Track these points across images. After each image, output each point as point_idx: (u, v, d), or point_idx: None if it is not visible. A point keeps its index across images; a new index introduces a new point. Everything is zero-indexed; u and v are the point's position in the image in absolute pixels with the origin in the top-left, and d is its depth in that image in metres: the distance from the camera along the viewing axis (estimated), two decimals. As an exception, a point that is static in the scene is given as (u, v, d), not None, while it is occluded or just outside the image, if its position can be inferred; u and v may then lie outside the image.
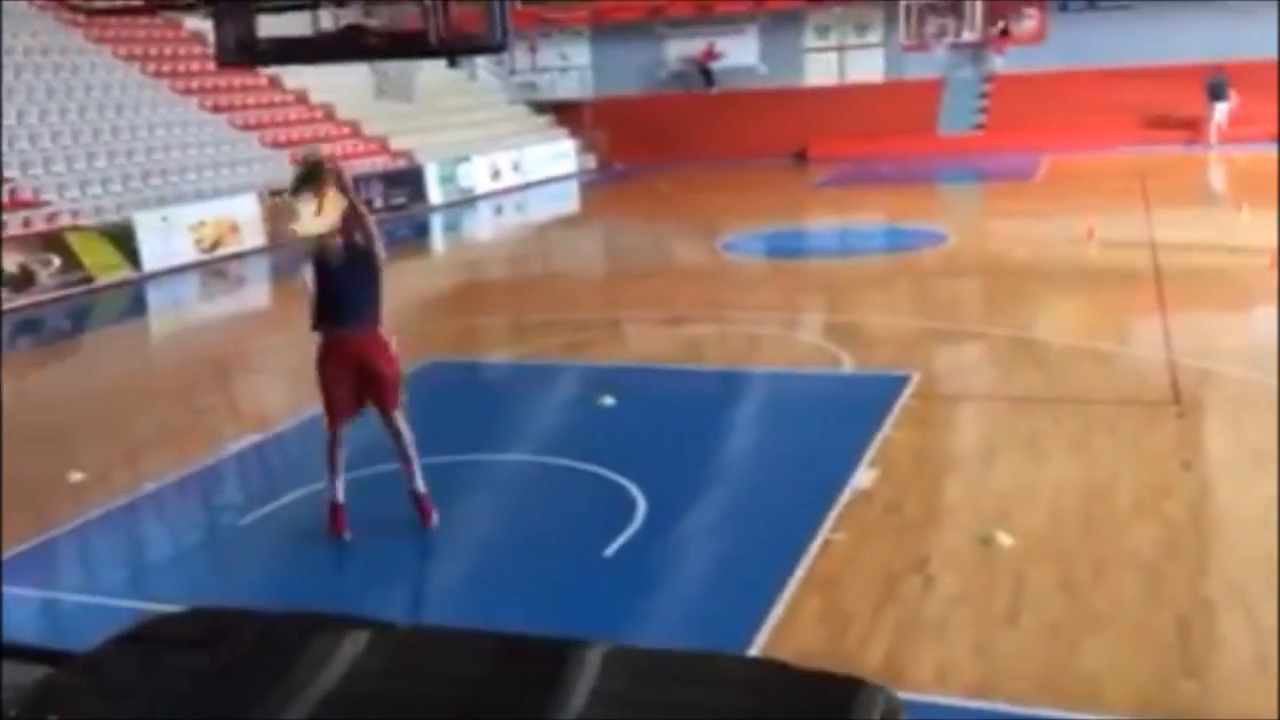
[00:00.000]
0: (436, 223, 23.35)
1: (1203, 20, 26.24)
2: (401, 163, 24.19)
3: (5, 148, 17.27)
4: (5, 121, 17.59)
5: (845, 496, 6.85)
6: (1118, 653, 5.05)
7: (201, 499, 7.99)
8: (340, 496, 6.65)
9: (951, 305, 12.75)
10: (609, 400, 9.04)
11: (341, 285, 6.41)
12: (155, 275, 17.05)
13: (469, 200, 25.08)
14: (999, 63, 29.38)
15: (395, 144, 24.68)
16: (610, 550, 6.32)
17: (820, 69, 31.39)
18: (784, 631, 5.36)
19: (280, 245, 16.94)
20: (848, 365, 10.01)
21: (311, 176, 6.28)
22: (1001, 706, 4.68)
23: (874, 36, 30.77)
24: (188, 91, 22.24)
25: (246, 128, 22.39)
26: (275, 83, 24.34)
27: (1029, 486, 6.97)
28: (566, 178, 28.63)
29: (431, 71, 26.81)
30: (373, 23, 8.12)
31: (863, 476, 7.18)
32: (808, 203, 22.64)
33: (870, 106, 28.81)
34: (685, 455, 7.87)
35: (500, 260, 19.17)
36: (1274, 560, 5.81)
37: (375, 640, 1.79)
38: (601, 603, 5.80)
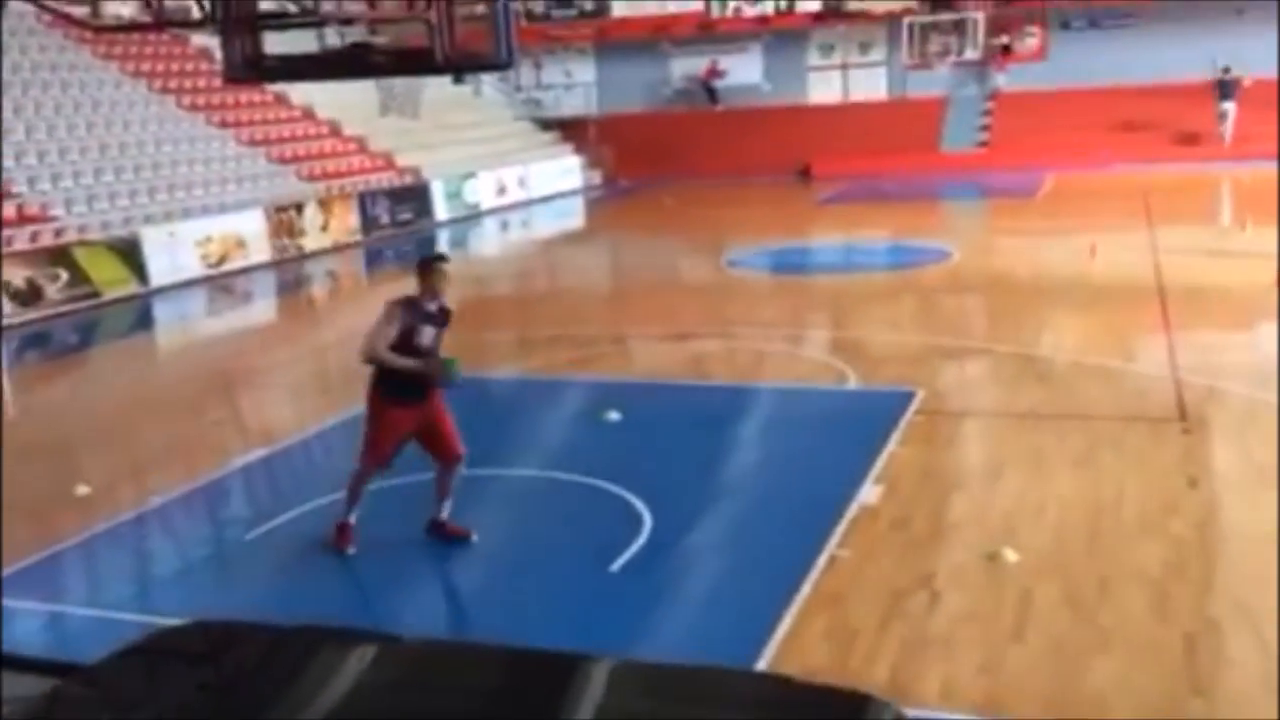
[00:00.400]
0: (442, 238, 23.38)
1: (1204, 38, 26.29)
2: (408, 179, 24.27)
3: (13, 163, 17.35)
4: (14, 138, 17.67)
5: (851, 512, 6.85)
6: (1125, 671, 5.03)
7: (208, 513, 7.99)
8: (352, 520, 6.68)
9: (956, 322, 12.75)
10: (614, 415, 9.04)
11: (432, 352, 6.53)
12: (162, 290, 17.09)
13: (475, 216, 25.14)
14: (1001, 81, 29.46)
15: (401, 160, 24.76)
16: (616, 565, 6.32)
17: (824, 87, 31.48)
18: (790, 647, 5.35)
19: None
20: (853, 381, 10.01)
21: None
22: (1008, 724, 4.66)
23: (877, 55, 30.87)
24: (195, 107, 22.33)
25: (253, 143, 22.47)
26: (282, 99, 24.44)
27: (1035, 503, 6.96)
28: (572, 194, 28.70)
29: (437, 88, 26.87)
30: (379, 40, 8.17)
31: (868, 493, 7.17)
32: (812, 219, 22.67)
33: (874, 124, 28.88)
34: (691, 471, 7.86)
35: (506, 276, 19.20)
36: (1281, 578, 5.79)
37: (382, 654, 1.79)
38: (608, 617, 5.79)
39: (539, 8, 31.55)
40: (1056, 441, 8.11)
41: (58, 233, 16.81)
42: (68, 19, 22.29)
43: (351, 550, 6.64)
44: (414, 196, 23.80)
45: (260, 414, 10.71)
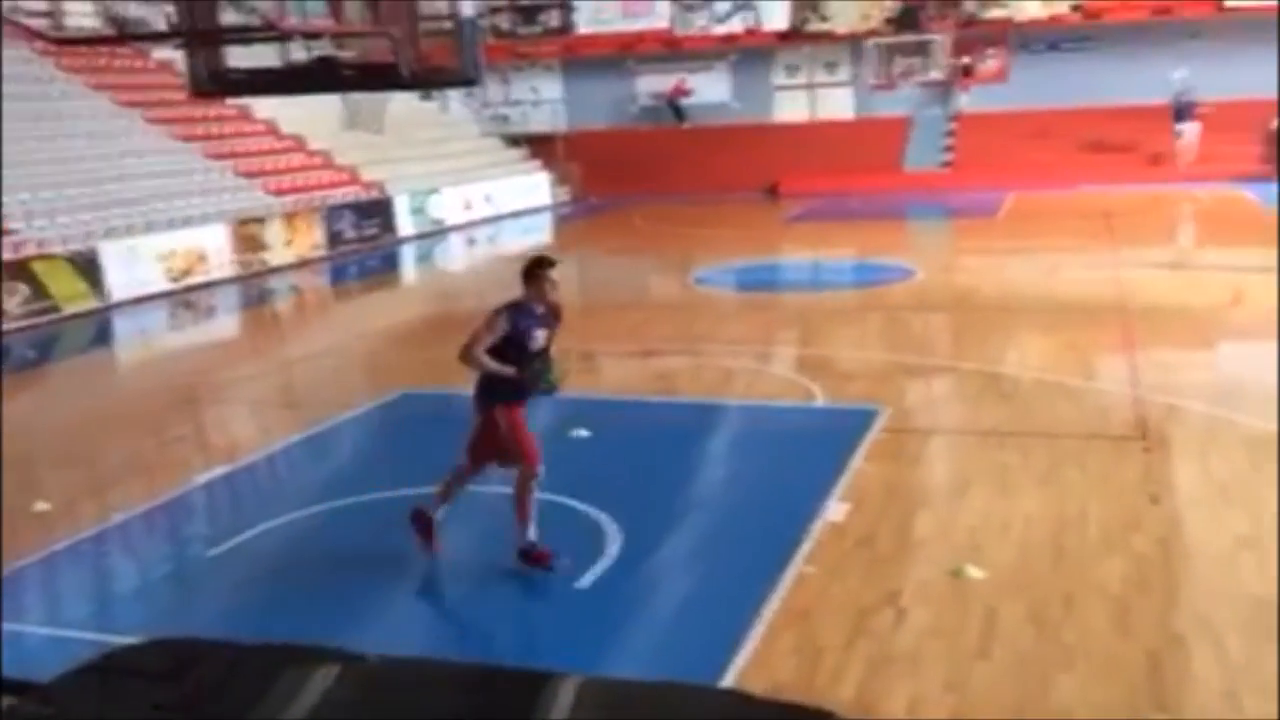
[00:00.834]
0: (407, 254, 23.32)
1: (1163, 60, 26.73)
2: (373, 193, 24.16)
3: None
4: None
5: (817, 529, 6.86)
6: (1088, 686, 5.07)
7: (169, 530, 7.89)
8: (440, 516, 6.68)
9: (921, 340, 12.84)
10: (582, 432, 9.02)
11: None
12: (122, 305, 16.90)
13: (441, 232, 25.08)
14: (964, 101, 29.80)
15: (366, 175, 24.67)
16: (583, 582, 6.29)
17: (790, 106, 31.70)
18: (757, 664, 5.35)
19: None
20: (819, 399, 10.05)
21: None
22: (974, 740, 4.67)
23: (843, 75, 31.14)
24: (158, 121, 22.15)
25: (217, 157, 22.31)
26: (246, 113, 24.30)
27: (999, 520, 7.00)
28: (539, 210, 28.71)
29: (403, 103, 26.87)
30: (344, 54, 8.16)
31: (835, 510, 7.19)
32: (779, 237, 22.79)
33: (840, 143, 29.11)
34: (658, 488, 7.85)
35: (472, 292, 19.10)
36: (1241, 594, 5.86)
37: (346, 672, 1.76)
38: (575, 635, 5.76)
39: (506, 24, 31.62)
40: (1020, 459, 8.17)
41: (17, 246, 16.58)
42: (29, 31, 22.14)
43: (438, 549, 6.60)
44: (379, 211, 23.71)
45: (222, 430, 10.60)
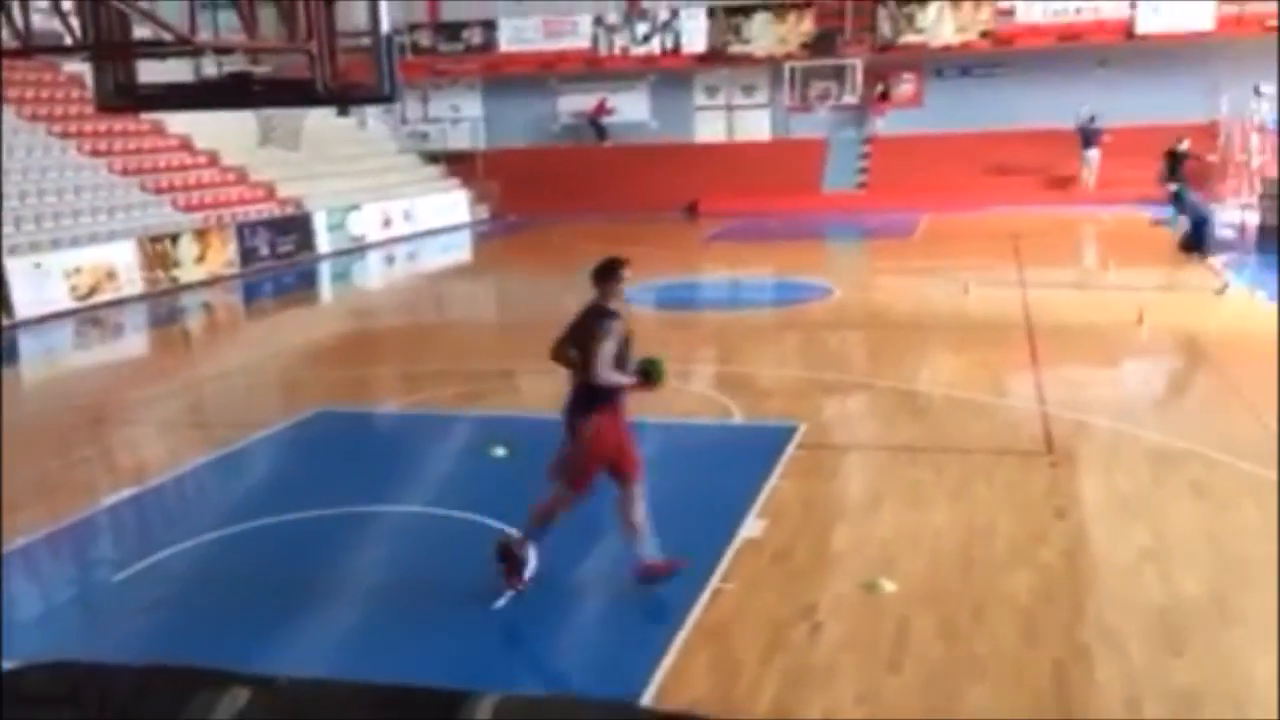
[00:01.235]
0: (325, 271, 23.03)
1: (1070, 88, 27.59)
2: (289, 210, 23.83)
3: None
4: None
5: (735, 546, 6.93)
6: (997, 696, 5.19)
7: (74, 554, 7.68)
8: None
9: (837, 357, 13.04)
10: (501, 451, 8.98)
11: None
12: (27, 323, 16.42)
13: (359, 249, 24.81)
14: (879, 125, 30.40)
15: (283, 191, 24.32)
16: (501, 602, 6.27)
17: (710, 126, 32.04)
18: (675, 680, 5.38)
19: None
20: (737, 416, 10.14)
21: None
22: (886, 751, 4.75)
23: (761, 97, 31.57)
24: (65, 135, 21.61)
25: (126, 173, 21.82)
26: (158, 128, 23.82)
27: (911, 534, 7.14)
28: (459, 228, 28.56)
29: (321, 119, 26.57)
30: (258, 70, 8.05)
31: (752, 526, 7.27)
32: (699, 256, 22.96)
33: (758, 164, 29.48)
34: (577, 506, 7.84)
35: (391, 309, 18.96)
36: (1144, 605, 6.05)
37: (257, 695, 1.75)
38: (492, 655, 5.74)
39: (425, 41, 31.47)
40: (932, 474, 8.34)
41: (-85, 262, 16.05)
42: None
43: (522, 587, 6.36)
44: (295, 228, 23.39)
45: (130, 451, 10.34)
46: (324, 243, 23.96)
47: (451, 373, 12.40)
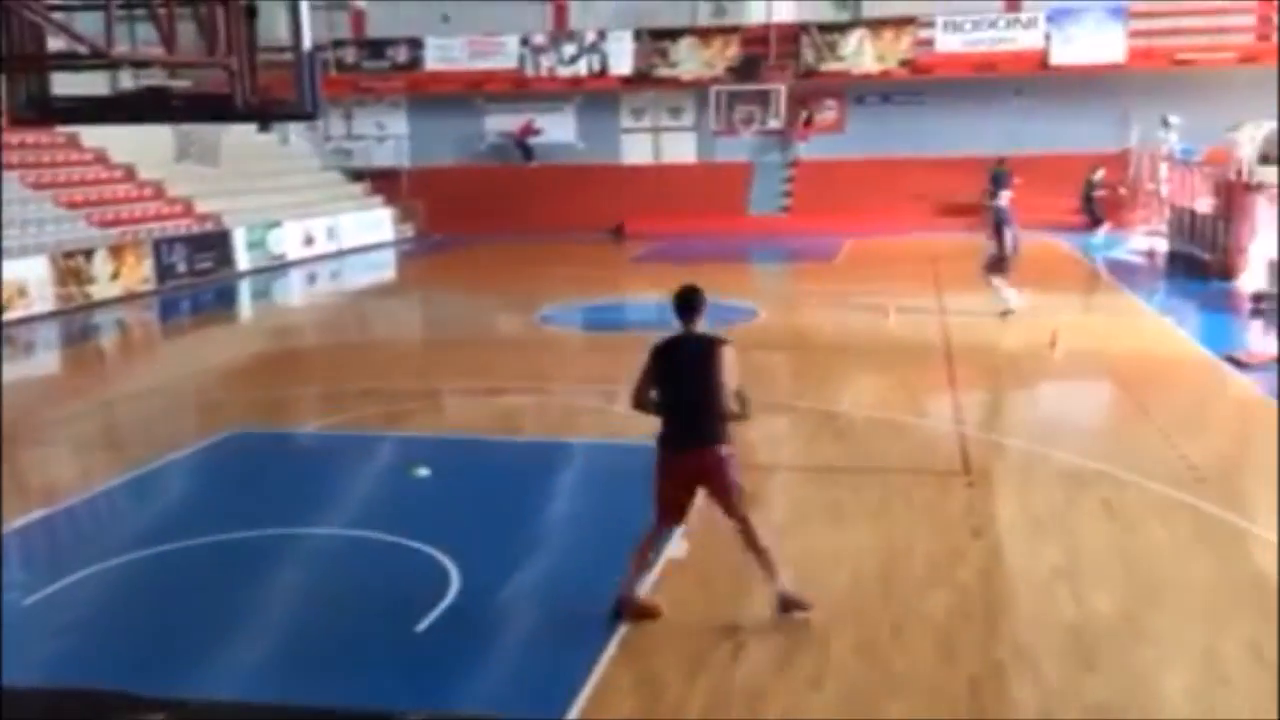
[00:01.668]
0: (245, 289, 22.65)
1: (987, 117, 28.31)
2: (208, 226, 23.41)
3: None
4: None
5: (660, 566, 6.93)
6: (914, 714, 5.27)
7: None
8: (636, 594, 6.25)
9: (761, 379, 13.07)
10: (423, 471, 8.89)
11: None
12: (-70, 339, 15.90)
13: (280, 267, 24.46)
14: (802, 149, 30.83)
15: (201, 207, 23.90)
16: (423, 625, 6.20)
17: (636, 148, 32.23)
18: (599, 699, 5.38)
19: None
20: (662, 437, 10.15)
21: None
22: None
23: (687, 120, 31.84)
24: (-26, 146, 21.01)
25: (39, 187, 21.28)
26: (73, 141, 23.28)
27: (832, 553, 7.22)
28: (383, 246, 28.32)
29: (242, 134, 26.23)
30: (177, 84, 7.93)
31: (677, 547, 7.28)
32: (624, 277, 23.04)
33: (684, 186, 29.72)
34: (500, 527, 7.81)
35: (313, 328, 18.71)
36: (1056, 622, 6.19)
37: (169, 719, 1.72)
38: (414, 678, 5.67)
39: (350, 58, 31.21)
40: (853, 494, 8.44)
41: None
42: None
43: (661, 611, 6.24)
44: (214, 245, 22.98)
45: (40, 472, 10.05)
46: (244, 260, 23.59)
47: (374, 393, 12.26)
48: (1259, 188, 18.71)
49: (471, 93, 31.48)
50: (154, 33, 7.16)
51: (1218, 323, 15.44)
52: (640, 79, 30.32)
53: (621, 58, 30.10)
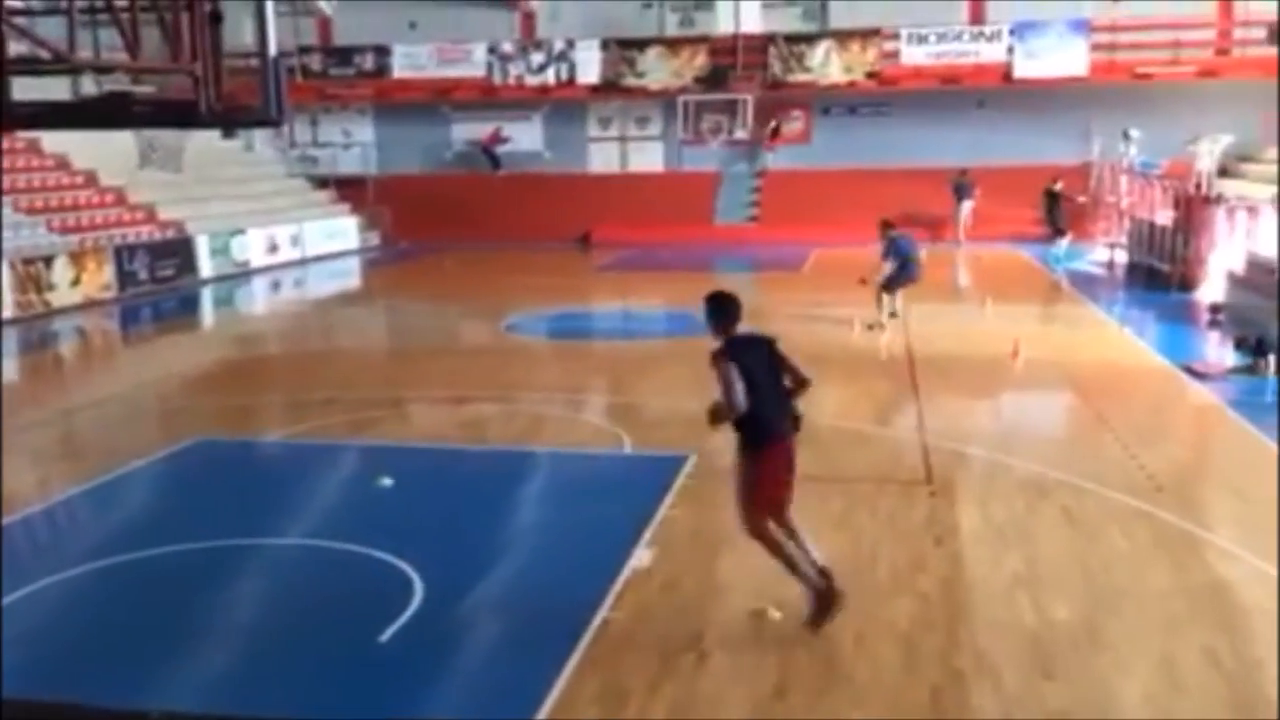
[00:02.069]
0: (207, 296, 22.46)
1: (951, 128, 28.58)
2: (170, 233, 23.20)
3: None
4: None
5: (624, 575, 6.95)
6: (877, 721, 5.29)
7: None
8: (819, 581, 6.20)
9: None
10: (387, 481, 8.86)
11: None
12: (-115, 346, 15.66)
13: (244, 274, 24.27)
14: (769, 159, 30.98)
15: (164, 214, 23.68)
16: (386, 635, 6.18)
17: (603, 157, 32.26)
18: (563, 709, 5.38)
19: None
20: (628, 445, 10.18)
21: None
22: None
23: (654, 129, 31.91)
24: (-68, 150, 20.72)
25: (-2, 191, 21.00)
26: (33, 146, 23.01)
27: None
28: (348, 254, 28.18)
29: (206, 141, 26.00)
30: (140, 89, 7.85)
31: (642, 555, 7.30)
32: (591, 286, 23.04)
33: (651, 195, 29.76)
34: (465, 537, 7.79)
35: (277, 336, 18.57)
36: (1017, 630, 6.25)
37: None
38: (376, 689, 5.64)
39: (316, 65, 31.06)
40: (818, 503, 8.46)
41: None
42: None
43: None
44: (177, 252, 22.79)
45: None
46: (207, 267, 23.39)
47: (338, 401, 12.20)
48: (1217, 200, 19.01)
49: (439, 100, 31.41)
50: (117, 38, 7.10)
51: (1176, 333, 15.65)
52: (608, 88, 30.37)
53: (589, 67, 30.14)
